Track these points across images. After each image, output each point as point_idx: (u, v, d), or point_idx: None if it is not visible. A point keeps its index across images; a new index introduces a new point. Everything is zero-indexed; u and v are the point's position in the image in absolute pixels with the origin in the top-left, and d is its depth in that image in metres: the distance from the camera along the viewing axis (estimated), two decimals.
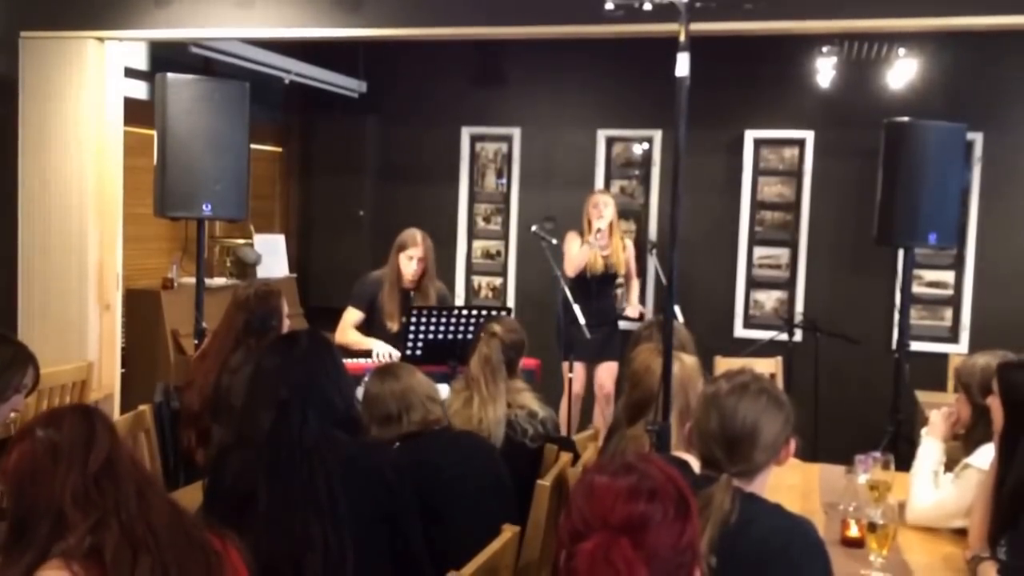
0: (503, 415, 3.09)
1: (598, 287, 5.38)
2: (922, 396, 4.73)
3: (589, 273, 5.36)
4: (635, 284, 5.77)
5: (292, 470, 2.23)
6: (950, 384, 4.94)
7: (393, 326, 4.59)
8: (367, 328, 4.68)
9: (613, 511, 1.23)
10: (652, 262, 6.07)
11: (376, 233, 6.49)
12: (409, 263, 4.62)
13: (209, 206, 4.43)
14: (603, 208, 5.35)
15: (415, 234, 4.66)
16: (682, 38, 2.48)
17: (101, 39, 4.66)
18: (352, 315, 4.69)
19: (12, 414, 2.90)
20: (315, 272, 6.83)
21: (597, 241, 5.24)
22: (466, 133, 6.70)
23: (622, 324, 5.61)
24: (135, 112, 4.99)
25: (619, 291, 5.76)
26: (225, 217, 4.94)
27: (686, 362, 2.75)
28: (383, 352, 4.50)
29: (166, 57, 5.50)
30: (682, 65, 2.48)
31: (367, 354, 4.51)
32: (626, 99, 6.33)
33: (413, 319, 4.17)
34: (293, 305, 5.10)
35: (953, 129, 4.71)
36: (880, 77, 5.86)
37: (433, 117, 6.68)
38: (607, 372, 5.50)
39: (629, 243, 5.68)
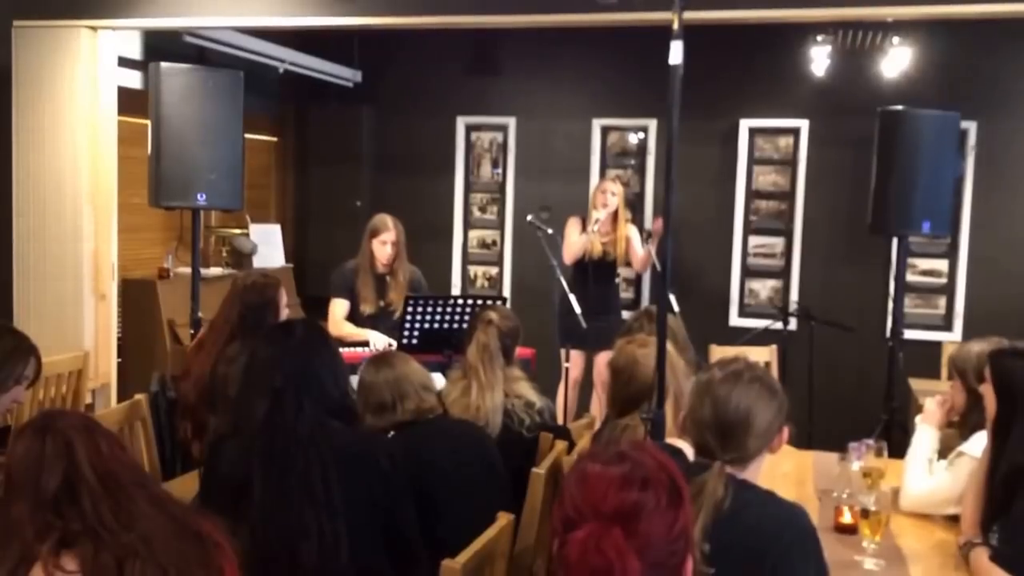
0: (500, 403, 3.10)
1: (596, 273, 5.38)
2: (915, 384, 4.76)
3: (587, 258, 5.36)
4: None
5: (287, 459, 2.24)
6: (943, 372, 4.96)
7: (367, 309, 4.68)
8: (348, 315, 4.73)
9: (605, 500, 1.24)
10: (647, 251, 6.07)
11: None
12: (383, 248, 4.68)
13: (204, 196, 4.42)
14: (609, 196, 5.36)
15: (386, 219, 4.74)
16: (675, 26, 2.48)
17: (94, 28, 4.64)
18: (340, 307, 4.74)
19: (12, 403, 2.91)
20: (311, 262, 6.82)
21: (596, 231, 5.24)
22: (461, 122, 6.69)
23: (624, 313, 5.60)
24: (129, 102, 4.97)
25: (619, 280, 5.75)
26: (220, 207, 4.94)
27: (668, 350, 2.74)
28: (379, 342, 4.52)
29: (160, 46, 5.48)
30: (675, 53, 2.48)
31: (363, 344, 4.53)
32: (621, 88, 6.32)
33: (410, 308, 4.19)
34: (290, 295, 5.09)
35: (947, 118, 4.71)
36: (874, 66, 5.86)
37: (428, 106, 6.67)
38: (605, 361, 5.49)
39: (634, 228, 5.63)
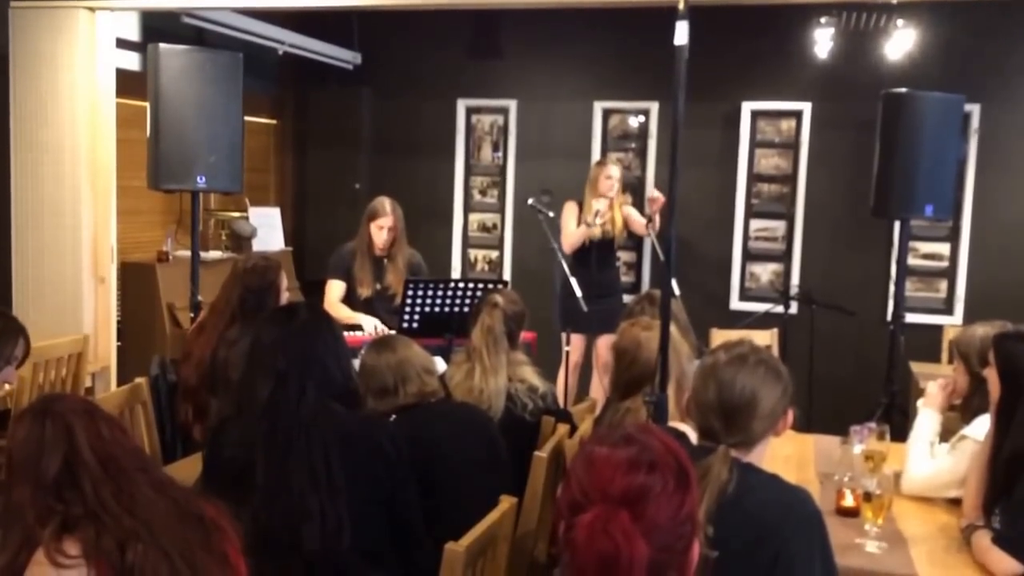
0: (504, 386, 3.10)
1: (597, 255, 5.35)
2: (916, 367, 4.76)
3: (587, 242, 5.34)
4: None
5: (290, 442, 2.24)
6: (944, 355, 4.96)
7: (364, 292, 4.66)
8: (344, 297, 4.72)
9: (612, 483, 1.23)
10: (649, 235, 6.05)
11: None
12: (380, 232, 4.66)
13: (203, 178, 4.40)
14: (615, 181, 5.35)
15: (384, 203, 4.69)
16: (681, 6, 2.46)
17: (92, 9, 4.61)
18: (336, 288, 4.72)
19: (7, 386, 2.91)
20: (311, 245, 6.81)
21: (595, 221, 5.22)
22: (462, 105, 6.66)
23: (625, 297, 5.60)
24: (127, 83, 4.94)
25: (619, 263, 5.73)
26: (219, 189, 4.92)
27: (672, 333, 2.74)
28: (370, 326, 4.51)
29: (158, 27, 5.44)
30: (681, 33, 2.46)
31: (356, 328, 4.52)
32: (623, 71, 6.29)
33: (410, 292, 4.18)
34: (289, 279, 5.09)
35: (950, 100, 4.69)
36: (878, 48, 5.82)
37: (428, 89, 6.64)
38: (606, 344, 5.49)
39: (631, 208, 5.62)
